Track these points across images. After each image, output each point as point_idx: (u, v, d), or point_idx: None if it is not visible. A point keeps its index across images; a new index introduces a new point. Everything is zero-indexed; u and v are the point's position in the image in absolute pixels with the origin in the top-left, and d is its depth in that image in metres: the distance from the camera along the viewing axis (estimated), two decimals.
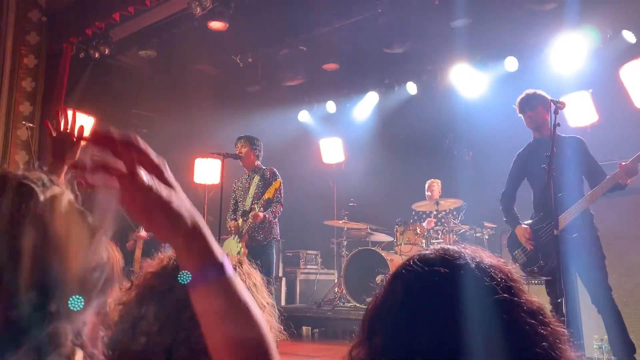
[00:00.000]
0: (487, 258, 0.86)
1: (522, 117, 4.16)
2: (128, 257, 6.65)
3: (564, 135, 4.05)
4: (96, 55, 7.89)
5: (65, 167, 2.00)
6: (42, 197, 0.59)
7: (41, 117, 7.54)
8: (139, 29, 7.69)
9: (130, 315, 1.06)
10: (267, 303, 1.22)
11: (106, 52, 7.87)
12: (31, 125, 7.26)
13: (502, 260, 0.89)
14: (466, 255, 0.85)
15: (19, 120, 7.35)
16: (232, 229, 5.50)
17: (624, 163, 3.60)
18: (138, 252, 6.65)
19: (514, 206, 4.25)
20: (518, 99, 4.16)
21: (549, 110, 3.94)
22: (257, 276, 1.23)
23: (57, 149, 2.02)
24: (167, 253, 1.22)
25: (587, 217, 3.82)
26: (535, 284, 4.98)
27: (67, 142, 2.05)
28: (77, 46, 7.82)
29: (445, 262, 0.84)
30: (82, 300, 0.59)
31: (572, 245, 3.65)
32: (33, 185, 0.60)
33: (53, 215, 0.59)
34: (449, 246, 0.88)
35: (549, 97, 3.99)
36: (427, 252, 0.88)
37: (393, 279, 0.87)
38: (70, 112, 2.09)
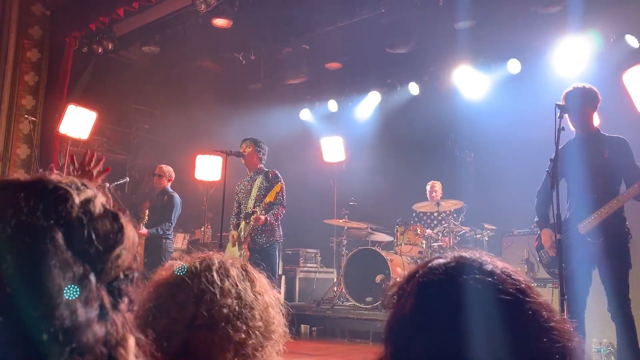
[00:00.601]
0: (501, 263, 0.88)
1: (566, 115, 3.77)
2: None
3: (607, 134, 3.88)
4: (99, 50, 7.89)
5: None
6: (77, 200, 0.64)
7: (43, 110, 7.55)
8: (142, 24, 7.70)
9: (149, 303, 1.15)
10: (276, 298, 1.30)
11: (109, 47, 7.88)
12: (33, 119, 7.27)
13: (513, 268, 0.89)
14: (489, 262, 0.86)
15: (21, 113, 7.36)
16: (232, 239, 5.50)
17: None
18: (140, 250, 6.69)
19: (549, 207, 3.86)
20: (563, 95, 3.84)
21: (596, 107, 3.79)
22: (262, 279, 1.30)
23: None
24: (175, 260, 1.28)
25: (616, 222, 3.61)
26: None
27: (84, 176, 2.06)
28: (81, 41, 7.82)
29: (474, 270, 0.84)
30: (123, 291, 0.66)
31: (596, 250, 3.57)
32: (68, 188, 0.65)
33: (90, 217, 0.64)
34: (465, 254, 0.88)
35: (598, 93, 3.81)
36: (447, 260, 0.88)
37: (423, 288, 0.86)
38: (96, 155, 2.13)
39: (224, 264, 1.22)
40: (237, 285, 1.19)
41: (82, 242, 0.61)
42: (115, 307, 0.63)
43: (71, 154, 2.21)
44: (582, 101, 3.78)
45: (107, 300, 0.62)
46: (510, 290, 0.82)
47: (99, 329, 0.59)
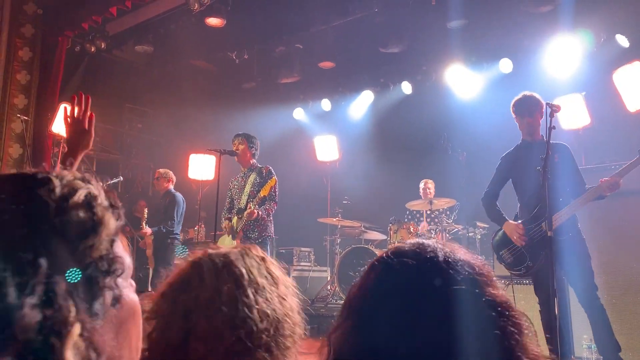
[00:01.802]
0: (461, 254, 0.91)
1: (517, 121, 4.17)
2: (143, 257, 6.84)
3: (551, 141, 4.11)
4: (92, 49, 7.86)
5: (79, 159, 2.02)
6: (58, 188, 0.66)
7: (36, 110, 7.51)
8: (135, 23, 7.67)
9: (166, 310, 1.08)
10: (294, 291, 1.21)
11: (102, 46, 7.84)
12: (25, 118, 7.23)
13: (478, 257, 0.94)
14: (438, 249, 0.90)
15: (13, 112, 7.31)
16: (226, 229, 5.55)
17: (604, 179, 3.75)
18: (149, 251, 6.79)
19: (496, 203, 4.27)
20: (514, 102, 4.16)
21: (543, 115, 4.02)
22: (282, 275, 1.20)
23: (72, 138, 2.04)
24: (184, 257, 1.21)
25: (573, 220, 3.91)
26: (525, 283, 5.03)
27: (80, 130, 2.06)
28: (73, 40, 7.79)
29: (415, 255, 0.90)
30: (95, 280, 0.66)
31: (560, 247, 3.72)
32: (53, 177, 0.68)
33: (65, 206, 0.66)
34: (424, 241, 0.94)
35: (543, 101, 4.04)
36: (404, 245, 0.94)
37: (368, 269, 0.94)
38: (84, 98, 2.09)
39: (250, 273, 1.09)
40: (268, 301, 1.07)
41: (50, 228, 0.63)
42: (70, 295, 0.62)
43: (64, 108, 2.19)
44: (532, 109, 4.05)
45: (61, 287, 0.62)
46: (442, 281, 0.86)
47: (30, 314, 0.59)
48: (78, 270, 0.64)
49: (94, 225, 0.67)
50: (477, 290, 0.85)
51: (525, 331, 0.85)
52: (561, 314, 3.35)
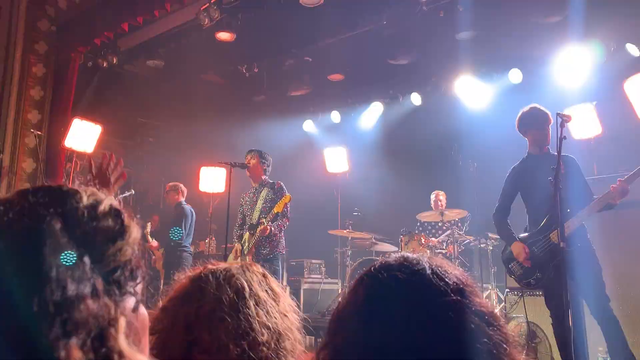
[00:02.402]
0: (447, 267, 0.93)
1: (526, 136, 4.20)
2: (153, 271, 6.87)
3: (556, 154, 4.11)
4: (104, 65, 7.96)
5: None
6: (85, 198, 0.71)
7: (49, 125, 7.61)
8: (147, 39, 7.76)
9: (176, 314, 1.09)
10: (294, 310, 1.23)
11: (114, 62, 7.95)
12: (39, 133, 7.34)
13: (461, 269, 0.95)
14: (424, 262, 0.92)
15: (27, 128, 7.42)
16: (236, 252, 5.54)
17: (614, 186, 3.71)
18: (159, 264, 6.83)
19: (507, 220, 4.28)
20: (522, 112, 4.18)
21: (546, 126, 4.06)
22: (281, 292, 1.24)
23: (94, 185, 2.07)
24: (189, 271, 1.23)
25: (583, 231, 3.90)
26: (537, 295, 4.97)
27: (102, 182, 2.09)
28: (86, 55, 7.90)
29: (403, 268, 0.91)
30: (122, 284, 0.70)
31: (570, 258, 3.68)
32: (80, 190, 0.73)
33: (95, 213, 0.70)
34: (409, 254, 0.95)
35: (549, 113, 4.05)
36: (389, 259, 0.95)
37: (356, 285, 0.95)
38: (115, 158, 2.13)
39: (251, 286, 1.12)
40: (269, 314, 1.10)
41: (83, 232, 0.68)
42: (108, 293, 0.67)
43: (89, 159, 2.24)
44: (541, 122, 4.07)
45: (99, 284, 0.66)
46: (432, 292, 0.87)
47: (92, 304, 0.64)
48: (108, 272, 0.68)
49: (121, 232, 0.71)
50: (466, 301, 0.87)
51: (511, 340, 0.87)
52: (575, 326, 3.31)
